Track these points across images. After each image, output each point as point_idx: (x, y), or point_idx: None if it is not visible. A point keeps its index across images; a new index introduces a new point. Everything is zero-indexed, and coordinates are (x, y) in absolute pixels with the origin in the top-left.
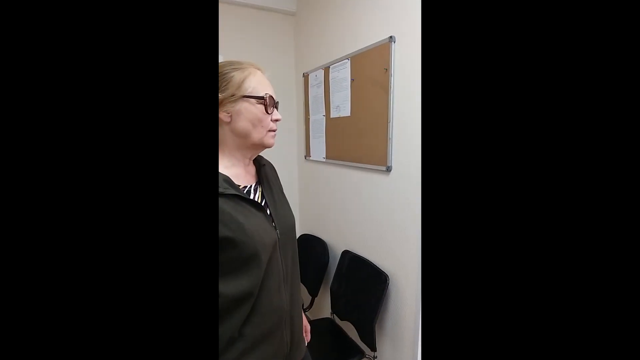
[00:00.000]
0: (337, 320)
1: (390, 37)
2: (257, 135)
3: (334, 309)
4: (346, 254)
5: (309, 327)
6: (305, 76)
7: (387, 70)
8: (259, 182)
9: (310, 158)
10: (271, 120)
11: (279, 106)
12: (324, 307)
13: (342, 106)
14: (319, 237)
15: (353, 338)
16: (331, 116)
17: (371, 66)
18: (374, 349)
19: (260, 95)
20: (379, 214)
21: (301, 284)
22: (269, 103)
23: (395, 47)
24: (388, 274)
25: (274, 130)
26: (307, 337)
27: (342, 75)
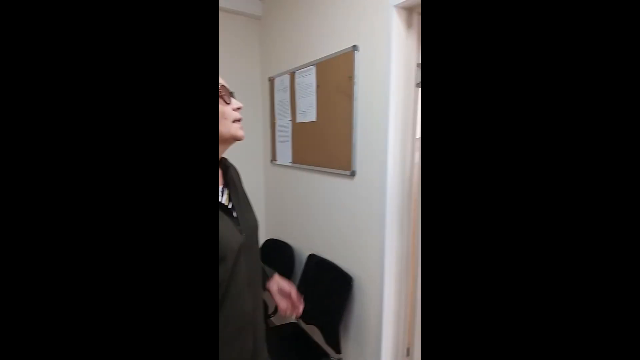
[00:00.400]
0: (303, 324)
1: (354, 46)
2: (223, 128)
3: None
4: (312, 257)
5: (293, 293)
6: (271, 80)
7: (351, 78)
8: (226, 184)
9: (277, 162)
10: (232, 109)
11: (244, 109)
12: None
13: (308, 111)
14: (285, 241)
15: (318, 341)
16: (297, 121)
17: (336, 73)
18: (338, 351)
19: None
20: (344, 218)
21: (265, 290)
22: (223, 93)
23: (358, 56)
24: (353, 277)
25: (239, 120)
26: (299, 310)
27: (307, 81)
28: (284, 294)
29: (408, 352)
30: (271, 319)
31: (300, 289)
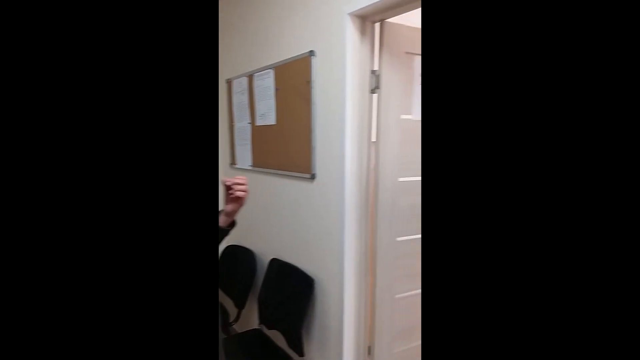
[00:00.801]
0: (265, 330)
1: (311, 51)
2: None
3: (262, 319)
4: (274, 262)
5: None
6: (229, 82)
7: (309, 82)
8: None
9: (236, 166)
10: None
11: None
12: (252, 319)
13: (267, 114)
14: (247, 247)
15: (281, 346)
16: (256, 124)
17: (294, 77)
18: (301, 354)
19: None
20: (305, 221)
21: (227, 297)
22: None
23: (315, 61)
24: (314, 278)
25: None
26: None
27: (266, 84)
28: (231, 199)
29: (369, 351)
30: (233, 326)
31: (262, 294)
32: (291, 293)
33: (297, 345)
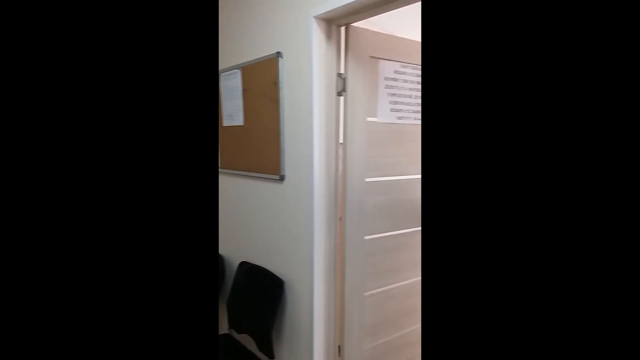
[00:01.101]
0: (235, 334)
1: (278, 52)
2: None
3: (231, 324)
4: (243, 265)
5: None
6: None
7: (276, 83)
8: None
9: None
10: None
11: None
12: (221, 324)
13: (234, 115)
14: None
15: (252, 350)
16: (224, 124)
17: (261, 78)
18: (272, 357)
19: None
20: (274, 222)
21: None
22: None
23: (283, 63)
24: (284, 280)
25: None
26: None
27: (233, 84)
28: None
29: (340, 350)
30: None
31: (231, 298)
32: (260, 296)
33: (268, 348)
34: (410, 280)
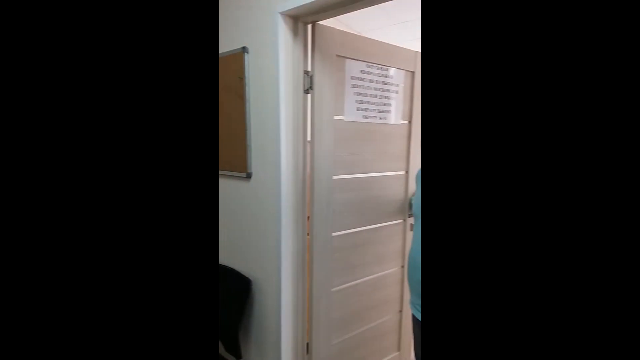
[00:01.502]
0: None
1: (243, 47)
2: None
3: None
4: None
5: None
6: None
7: (242, 79)
8: None
9: None
10: None
11: None
12: None
13: None
14: None
15: (219, 351)
16: None
17: (227, 74)
18: (239, 357)
19: None
20: (241, 220)
21: None
22: None
23: (248, 58)
24: (251, 279)
25: None
26: None
27: None
28: None
29: (308, 348)
30: None
31: None
32: (227, 296)
33: (235, 349)
34: (376, 274)
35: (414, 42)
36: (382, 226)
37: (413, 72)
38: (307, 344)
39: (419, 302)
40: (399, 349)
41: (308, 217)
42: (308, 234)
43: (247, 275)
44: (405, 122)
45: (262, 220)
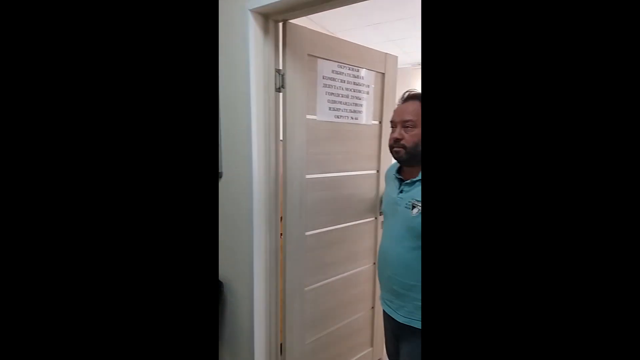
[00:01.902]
0: None
1: None
2: None
3: None
4: None
5: None
6: None
7: None
8: None
9: None
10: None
11: None
12: None
13: None
14: None
15: None
16: None
17: None
18: None
19: None
20: None
21: None
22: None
23: (218, 55)
24: (223, 281)
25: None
26: None
27: None
28: None
29: (281, 349)
30: None
31: None
32: None
33: None
34: (349, 272)
35: (387, 44)
36: (354, 224)
37: (383, 74)
38: (281, 345)
39: (389, 297)
40: (372, 345)
41: (281, 218)
42: (281, 234)
43: (219, 277)
44: (376, 122)
45: (233, 220)
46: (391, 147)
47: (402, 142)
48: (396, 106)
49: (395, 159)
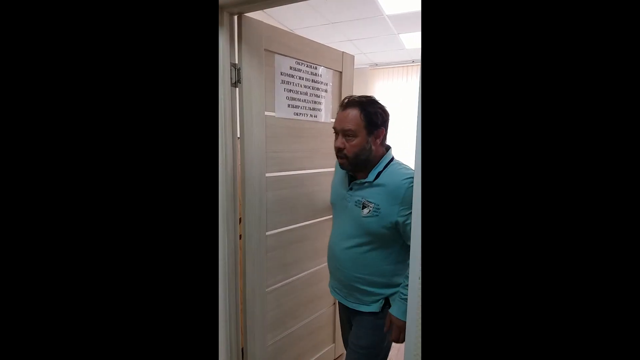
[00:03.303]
0: None
1: None
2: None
3: None
4: None
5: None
6: None
7: None
8: None
9: None
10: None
11: None
12: None
13: None
14: None
15: None
16: None
17: None
18: None
19: None
20: None
21: None
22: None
23: None
24: None
25: None
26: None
27: None
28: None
29: (243, 353)
30: None
31: None
32: None
33: None
34: (310, 270)
35: (346, 44)
36: (314, 222)
37: (340, 72)
38: (242, 349)
39: (337, 285)
40: (334, 341)
41: (240, 219)
42: (240, 236)
43: None
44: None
45: None
46: (336, 155)
47: (344, 151)
48: (337, 113)
49: (340, 167)
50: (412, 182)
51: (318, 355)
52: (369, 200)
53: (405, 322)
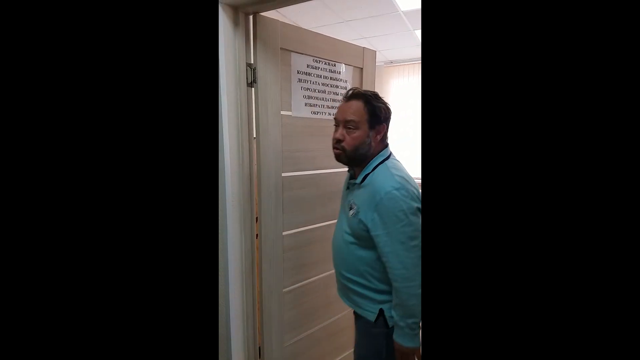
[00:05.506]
0: None
1: None
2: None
3: None
4: None
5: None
6: None
7: None
8: None
9: None
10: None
11: None
12: None
13: None
14: None
15: None
16: None
17: None
18: None
19: None
20: None
21: None
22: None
23: None
24: None
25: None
26: None
27: None
28: None
29: (260, 352)
30: None
31: None
32: None
33: None
34: (328, 272)
35: (360, 42)
36: (333, 223)
37: (361, 69)
38: (259, 348)
39: (339, 285)
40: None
41: (257, 218)
42: (257, 235)
43: None
44: None
45: None
46: (333, 147)
47: (342, 143)
48: (340, 103)
49: (335, 158)
50: (391, 194)
51: (338, 358)
52: (355, 201)
53: (409, 347)
